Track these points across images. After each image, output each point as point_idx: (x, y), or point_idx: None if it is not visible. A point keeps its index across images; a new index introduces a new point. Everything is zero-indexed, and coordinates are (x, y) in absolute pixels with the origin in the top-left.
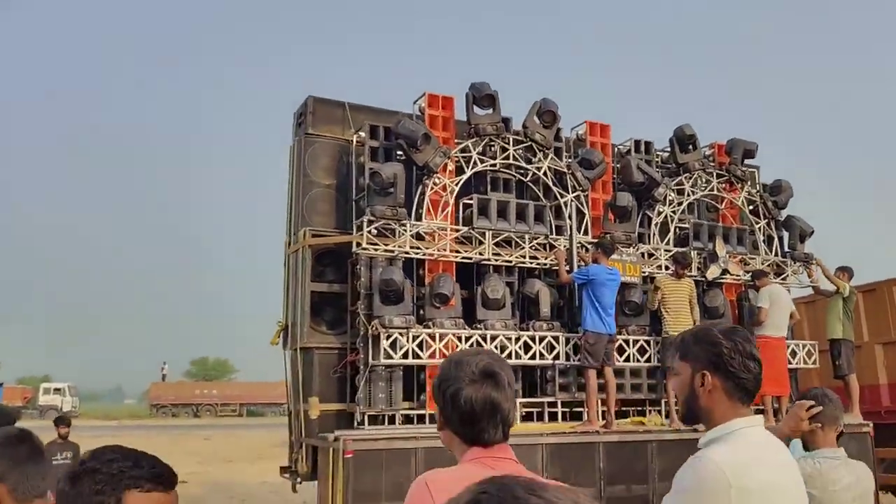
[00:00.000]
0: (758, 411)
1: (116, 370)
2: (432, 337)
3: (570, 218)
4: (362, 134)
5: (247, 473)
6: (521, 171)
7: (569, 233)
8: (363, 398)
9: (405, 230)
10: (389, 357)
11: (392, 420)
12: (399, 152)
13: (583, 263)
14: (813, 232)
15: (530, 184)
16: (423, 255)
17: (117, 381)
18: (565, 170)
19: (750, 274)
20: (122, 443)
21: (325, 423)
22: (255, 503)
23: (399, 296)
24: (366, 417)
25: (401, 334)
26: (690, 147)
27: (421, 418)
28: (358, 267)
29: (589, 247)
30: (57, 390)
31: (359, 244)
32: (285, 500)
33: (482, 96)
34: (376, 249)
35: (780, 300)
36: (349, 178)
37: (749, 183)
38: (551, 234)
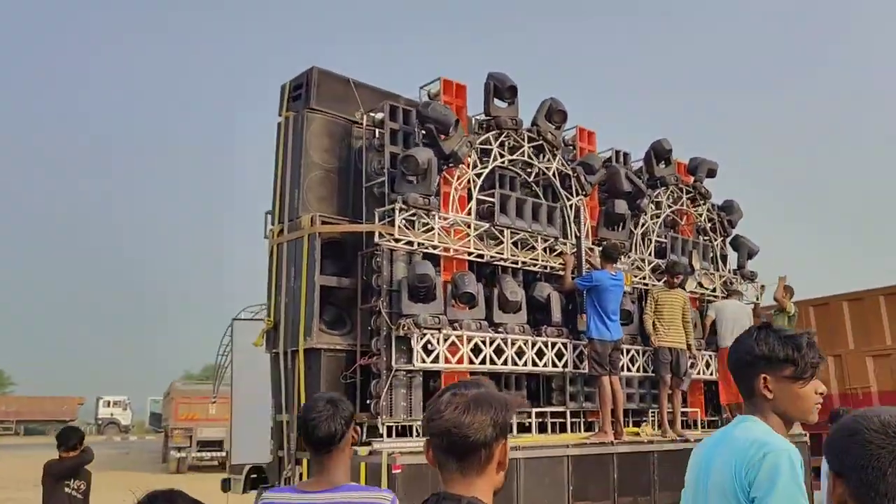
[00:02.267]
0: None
1: None
2: (460, 339)
3: (576, 221)
4: (378, 115)
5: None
6: (527, 171)
7: (577, 237)
8: (386, 407)
9: (432, 223)
10: (422, 360)
11: (407, 432)
12: (418, 138)
13: (589, 269)
14: (758, 251)
15: (533, 184)
16: (445, 251)
17: None
18: (570, 172)
19: (714, 289)
20: None
21: None
22: None
23: (431, 293)
24: (385, 429)
25: (432, 336)
26: (664, 162)
27: None
28: (378, 260)
29: (591, 253)
30: (117, 403)
31: (382, 235)
32: None
33: (505, 88)
34: (397, 241)
35: (724, 313)
36: (350, 161)
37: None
38: (561, 237)
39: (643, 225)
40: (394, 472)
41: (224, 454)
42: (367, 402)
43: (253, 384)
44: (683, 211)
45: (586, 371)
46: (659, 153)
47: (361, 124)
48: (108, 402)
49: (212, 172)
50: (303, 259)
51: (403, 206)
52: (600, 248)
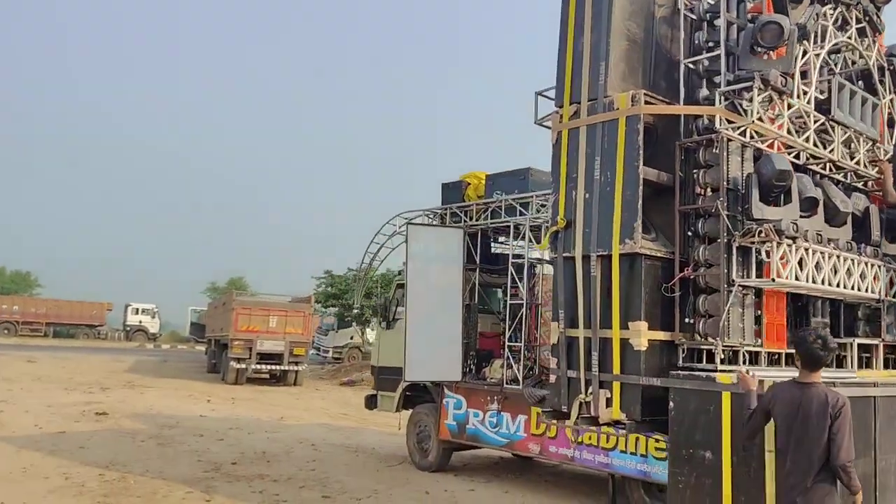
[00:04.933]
0: None
1: None
2: (807, 253)
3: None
4: None
5: (172, 406)
6: (833, 59)
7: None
8: (725, 328)
9: (782, 110)
10: (778, 275)
11: (730, 359)
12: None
13: None
14: None
15: (839, 74)
16: (770, 146)
17: None
18: (886, 64)
19: None
20: None
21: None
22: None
23: (786, 195)
24: (717, 353)
25: (788, 247)
26: None
27: (754, 357)
28: (714, 151)
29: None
30: (145, 311)
31: (722, 121)
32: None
33: None
34: (735, 130)
35: None
36: (652, 31)
37: None
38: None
39: None
40: None
41: (281, 367)
42: (686, 320)
43: (426, 296)
44: None
45: None
46: None
47: None
48: (137, 310)
49: None
50: (618, 147)
51: (761, 87)
52: None
